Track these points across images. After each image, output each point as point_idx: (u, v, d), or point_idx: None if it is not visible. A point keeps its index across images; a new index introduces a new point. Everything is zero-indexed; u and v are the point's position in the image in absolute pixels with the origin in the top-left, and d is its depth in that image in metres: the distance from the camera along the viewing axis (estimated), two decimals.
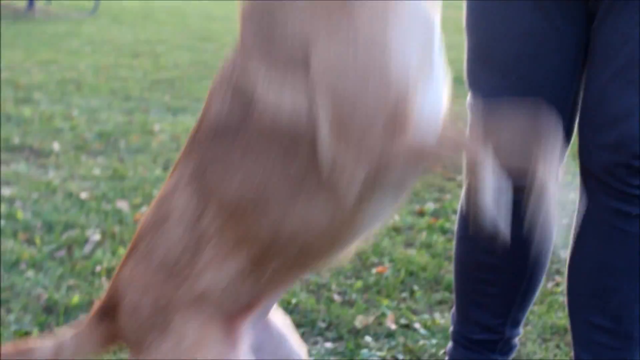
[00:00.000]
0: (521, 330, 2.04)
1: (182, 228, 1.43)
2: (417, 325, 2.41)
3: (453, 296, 2.09)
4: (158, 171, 3.91)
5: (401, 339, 2.33)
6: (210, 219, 1.42)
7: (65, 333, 1.51)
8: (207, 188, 1.43)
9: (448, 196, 3.63)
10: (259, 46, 1.41)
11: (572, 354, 1.93)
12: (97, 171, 3.88)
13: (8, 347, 1.51)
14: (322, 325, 2.41)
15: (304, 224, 1.39)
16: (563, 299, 2.44)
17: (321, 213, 1.37)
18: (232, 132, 1.41)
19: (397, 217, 3.28)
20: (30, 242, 2.95)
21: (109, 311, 1.48)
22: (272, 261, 1.43)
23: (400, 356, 2.26)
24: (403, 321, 2.44)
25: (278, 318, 1.60)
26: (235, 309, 1.47)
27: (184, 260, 1.44)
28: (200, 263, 1.43)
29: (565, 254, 1.94)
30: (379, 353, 2.26)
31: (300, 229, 1.39)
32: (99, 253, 2.84)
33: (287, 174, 1.37)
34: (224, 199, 1.42)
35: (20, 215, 3.18)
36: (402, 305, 2.55)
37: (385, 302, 2.55)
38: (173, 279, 1.44)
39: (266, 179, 1.38)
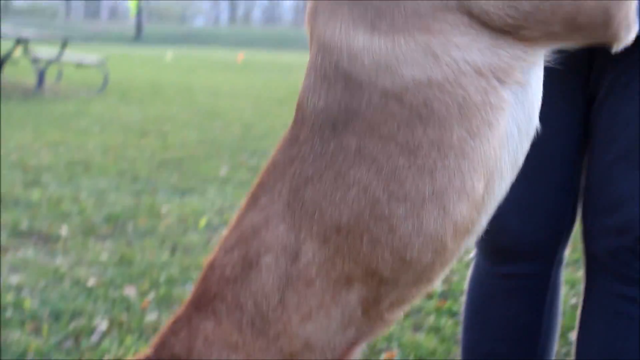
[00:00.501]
0: None
1: (276, 273, 1.26)
2: None
3: None
4: (165, 255, 3.92)
5: None
6: (312, 256, 1.26)
7: None
8: (306, 215, 1.27)
9: (456, 277, 3.62)
10: (350, 8, 1.28)
11: None
12: (104, 256, 3.89)
13: None
14: None
15: (436, 231, 1.25)
16: None
17: (455, 208, 1.25)
18: (335, 130, 1.27)
19: None
20: (37, 332, 2.94)
21: None
22: (389, 295, 1.30)
23: None
24: None
25: None
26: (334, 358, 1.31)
27: (278, 311, 1.26)
28: (299, 313, 1.27)
29: (573, 337, 1.93)
30: None
31: (431, 239, 1.26)
32: (106, 342, 2.83)
33: (414, 167, 1.24)
34: (331, 223, 1.26)
35: (27, 304, 3.18)
36: None
37: None
38: (266, 336, 1.27)
39: (389, 180, 1.24)
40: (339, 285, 1.26)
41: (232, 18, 74.94)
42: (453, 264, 1.33)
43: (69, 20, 67.52)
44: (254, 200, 1.30)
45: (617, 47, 1.30)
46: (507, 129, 1.29)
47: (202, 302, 1.29)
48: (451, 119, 1.24)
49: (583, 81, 1.75)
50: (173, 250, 4.02)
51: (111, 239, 4.22)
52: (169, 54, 27.08)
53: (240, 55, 28.78)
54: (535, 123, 1.35)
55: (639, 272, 1.71)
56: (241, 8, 78.56)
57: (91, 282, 3.49)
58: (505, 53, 1.26)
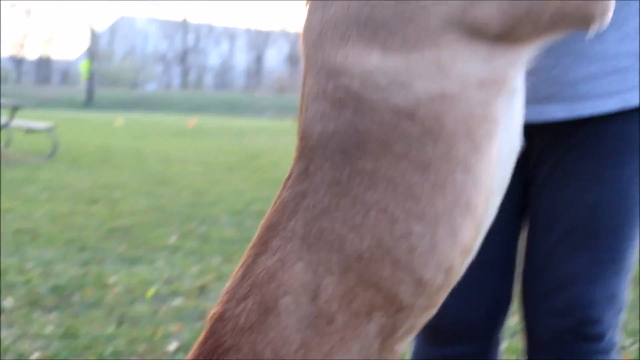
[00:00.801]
0: None
1: (296, 315, 1.22)
2: None
3: None
4: (111, 328, 3.86)
5: None
6: (332, 290, 1.23)
7: None
8: (325, 247, 1.25)
9: None
10: (360, 32, 1.30)
11: None
12: (49, 329, 3.82)
13: None
14: None
15: (446, 249, 1.26)
16: None
17: (461, 225, 1.26)
18: (348, 155, 1.27)
19: None
20: None
21: None
22: (405, 323, 1.28)
23: None
24: None
25: None
26: None
27: (299, 355, 1.21)
28: (320, 354, 1.23)
29: None
30: None
31: (444, 257, 1.26)
32: None
33: (428, 184, 1.25)
34: (352, 251, 1.25)
35: None
36: None
37: None
38: None
39: (406, 198, 1.24)
40: (359, 317, 1.24)
41: (184, 83, 75.23)
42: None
43: (20, 85, 67.14)
44: (263, 245, 1.27)
45: (593, 27, 1.33)
46: (501, 143, 1.32)
47: (215, 358, 1.22)
48: (458, 133, 1.27)
49: (521, 165, 1.79)
50: (120, 322, 3.96)
51: (57, 311, 4.16)
52: (120, 119, 27.02)
53: (192, 121, 28.82)
54: (518, 141, 1.38)
55: (582, 355, 1.72)
56: (193, 73, 78.92)
57: (35, 356, 3.43)
58: (499, 62, 1.30)
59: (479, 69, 1.29)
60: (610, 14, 1.34)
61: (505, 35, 1.30)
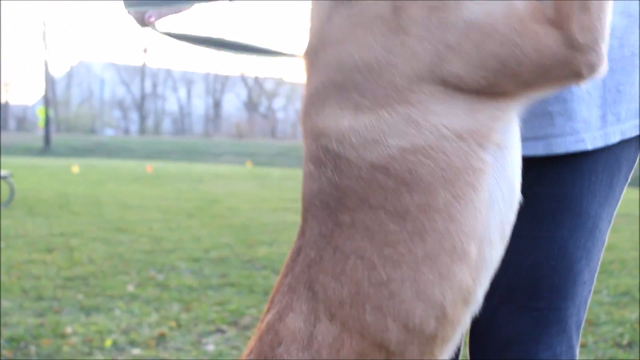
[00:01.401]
0: None
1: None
2: None
3: None
4: None
5: None
6: (322, 338, 1.31)
7: None
8: (312, 297, 1.33)
9: None
10: (336, 96, 1.39)
11: None
12: None
13: None
14: None
15: (434, 295, 1.31)
16: None
17: (449, 271, 1.31)
18: (330, 210, 1.36)
19: None
20: None
21: None
22: None
23: None
24: None
25: None
26: None
27: None
28: None
29: None
30: None
31: (431, 304, 1.31)
32: None
33: (405, 232, 1.31)
34: (334, 298, 1.32)
35: None
36: None
37: None
38: None
39: (382, 246, 1.31)
40: None
41: (142, 129, 75.00)
42: (457, 340, 1.37)
43: None
44: (270, 302, 1.36)
45: (584, 82, 1.38)
46: (491, 193, 1.37)
47: None
48: (436, 184, 1.33)
49: None
50: None
51: None
52: (77, 166, 26.85)
53: (150, 167, 28.71)
54: (517, 191, 1.42)
55: None
56: (151, 119, 78.74)
57: None
58: (482, 115, 1.35)
59: (458, 122, 1.34)
60: (603, 65, 1.36)
61: (484, 90, 1.35)
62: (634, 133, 1.79)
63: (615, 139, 1.77)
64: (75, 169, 26.62)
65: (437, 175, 1.33)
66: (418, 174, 1.33)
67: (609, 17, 1.36)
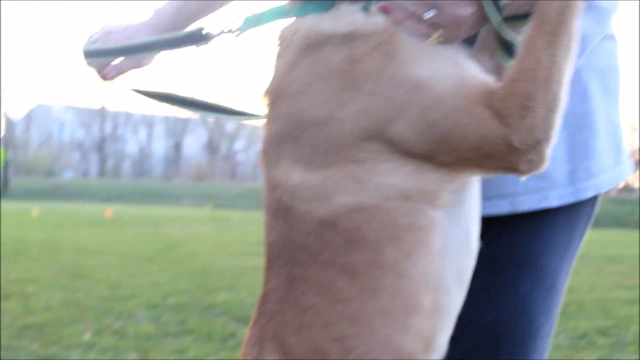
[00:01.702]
0: None
1: None
2: None
3: None
4: None
5: None
6: None
7: None
8: (271, 351, 1.37)
9: None
10: (290, 150, 1.43)
11: None
12: None
13: None
14: None
15: (394, 348, 1.34)
16: None
17: (406, 324, 1.34)
18: (283, 262, 1.40)
19: None
20: None
21: None
22: None
23: None
24: None
25: None
26: None
27: None
28: None
29: None
30: None
31: (392, 355, 1.34)
32: None
33: (356, 288, 1.34)
34: (294, 353, 1.36)
35: None
36: None
37: None
38: None
39: (336, 302, 1.35)
40: None
41: (102, 171, 74.53)
42: None
43: None
44: (243, 355, 1.41)
45: (522, 177, 1.39)
46: (444, 245, 1.39)
47: None
48: (382, 241, 1.35)
49: None
50: None
51: None
52: (35, 209, 26.56)
53: (109, 211, 28.48)
54: (474, 239, 1.45)
55: None
56: (111, 161, 78.29)
57: None
58: (430, 177, 1.37)
59: (404, 182, 1.37)
60: (543, 164, 1.37)
61: (429, 157, 1.37)
62: (606, 188, 1.82)
63: (587, 194, 1.79)
64: (35, 212, 26.32)
65: (382, 233, 1.36)
66: (364, 232, 1.36)
67: (558, 117, 1.37)
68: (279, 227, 1.43)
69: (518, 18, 1.47)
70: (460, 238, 1.43)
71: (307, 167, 1.40)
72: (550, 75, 1.34)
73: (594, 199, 1.86)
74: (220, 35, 1.69)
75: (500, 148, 1.35)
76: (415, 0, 1.42)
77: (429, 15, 1.41)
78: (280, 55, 1.51)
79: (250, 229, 20.51)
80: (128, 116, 79.05)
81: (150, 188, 51.07)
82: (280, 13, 1.56)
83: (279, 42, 1.52)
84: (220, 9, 2.08)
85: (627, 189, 42.95)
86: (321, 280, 1.37)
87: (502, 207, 1.73)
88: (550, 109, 1.35)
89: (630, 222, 28.76)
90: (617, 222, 28.68)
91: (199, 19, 2.00)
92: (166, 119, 79.04)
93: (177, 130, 78.66)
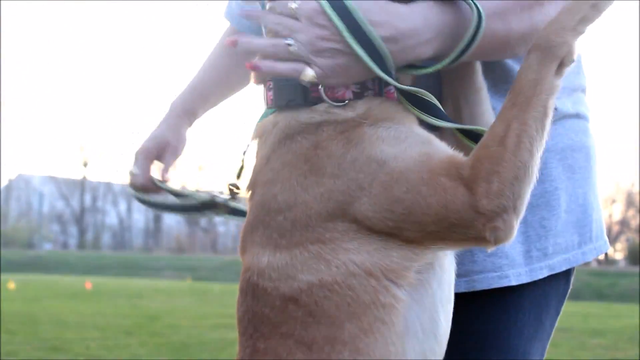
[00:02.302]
0: None
1: None
2: None
3: None
4: None
5: None
6: None
7: None
8: None
9: None
10: (262, 231, 1.50)
11: None
12: None
13: None
14: None
15: None
16: None
17: None
18: (249, 335, 1.47)
19: None
20: None
21: None
22: None
23: None
24: None
25: None
26: None
27: None
28: None
29: None
30: None
31: None
32: None
33: None
34: None
35: None
36: None
37: None
38: None
39: None
40: None
41: (81, 243, 73.88)
42: None
43: None
44: None
45: (489, 248, 1.40)
46: (407, 326, 1.40)
47: None
48: (341, 317, 1.39)
49: None
50: None
51: None
52: (13, 282, 26.28)
53: (88, 283, 28.20)
54: (443, 322, 1.46)
55: None
56: (90, 233, 77.68)
57: None
58: (395, 254, 1.40)
59: (368, 259, 1.40)
60: (510, 235, 1.38)
61: (394, 233, 1.41)
62: (563, 267, 1.81)
63: (542, 274, 1.79)
64: (11, 285, 26.00)
65: (343, 309, 1.39)
66: (324, 307, 1.40)
67: (527, 187, 1.38)
68: (247, 303, 1.49)
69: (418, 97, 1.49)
70: (425, 320, 1.44)
71: (275, 250, 1.46)
72: (520, 143, 1.37)
73: (565, 276, 1.86)
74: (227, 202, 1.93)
75: (466, 215, 1.36)
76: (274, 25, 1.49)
77: (289, 42, 1.46)
78: (259, 148, 1.57)
79: (231, 302, 20.30)
80: (108, 187, 78.82)
81: (130, 260, 50.67)
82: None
83: (259, 135, 1.58)
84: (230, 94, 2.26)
85: (609, 261, 42.95)
86: (280, 352, 1.42)
87: (459, 286, 1.71)
88: (518, 177, 1.36)
89: (611, 294, 28.76)
90: (598, 294, 28.65)
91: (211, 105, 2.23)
92: None
93: None
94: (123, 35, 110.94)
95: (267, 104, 1.57)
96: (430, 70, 1.50)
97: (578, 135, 1.90)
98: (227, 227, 75.64)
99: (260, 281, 1.46)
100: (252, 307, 1.47)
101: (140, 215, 79.11)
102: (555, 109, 1.49)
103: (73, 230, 78.88)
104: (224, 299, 21.72)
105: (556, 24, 1.43)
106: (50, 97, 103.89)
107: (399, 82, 1.46)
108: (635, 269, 36.12)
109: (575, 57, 1.44)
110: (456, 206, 1.37)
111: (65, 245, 76.46)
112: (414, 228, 1.39)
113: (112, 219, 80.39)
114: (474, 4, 1.47)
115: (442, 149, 1.46)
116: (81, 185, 75.95)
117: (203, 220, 76.58)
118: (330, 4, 1.42)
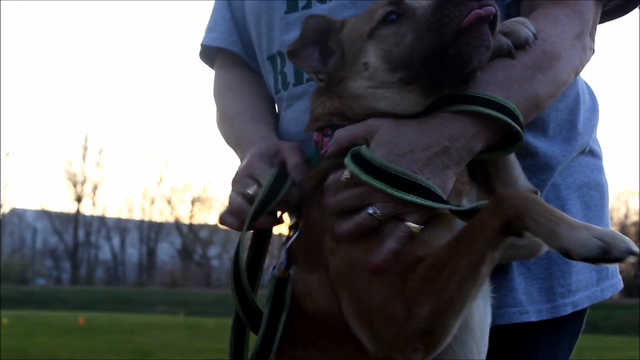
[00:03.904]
0: None
1: None
2: None
3: None
4: None
5: None
6: None
7: None
8: None
9: None
10: (303, 253, 1.70)
11: None
12: None
13: None
14: None
15: None
16: None
17: None
18: (285, 341, 1.66)
19: None
20: None
21: None
22: None
23: None
24: None
25: None
26: None
27: None
28: None
29: None
30: None
31: None
32: None
33: None
34: None
35: None
36: None
37: None
38: None
39: None
40: None
41: (75, 278, 73.56)
42: None
43: None
44: None
45: None
46: None
47: None
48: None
49: None
50: None
51: None
52: (6, 318, 26.14)
53: (81, 319, 28.06)
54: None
55: None
56: (84, 268, 77.37)
57: None
58: None
59: None
60: (426, 356, 1.47)
61: None
62: (585, 304, 1.84)
63: (565, 311, 1.82)
64: (4, 320, 25.87)
65: None
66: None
67: (450, 318, 1.47)
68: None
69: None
70: None
71: (309, 268, 1.72)
72: (450, 281, 1.47)
73: (579, 316, 1.89)
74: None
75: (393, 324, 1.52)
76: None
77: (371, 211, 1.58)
78: None
79: (224, 337, 20.24)
80: (101, 222, 78.64)
81: (124, 295, 50.48)
82: None
83: None
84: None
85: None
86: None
87: None
88: (444, 310, 1.47)
89: (606, 327, 28.73)
90: (593, 327, 28.58)
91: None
92: (140, 224, 78.70)
93: (150, 237, 78.20)
94: (115, 63, 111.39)
95: (321, 148, 1.73)
96: (505, 154, 1.65)
97: (594, 173, 1.95)
98: (221, 262, 75.48)
99: (297, 296, 1.73)
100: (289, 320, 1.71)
101: (133, 250, 78.90)
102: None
103: (66, 265, 78.60)
104: (218, 334, 21.62)
105: (529, 197, 1.48)
106: (43, 130, 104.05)
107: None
108: (630, 301, 36.02)
109: (525, 234, 1.47)
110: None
111: (58, 281, 76.16)
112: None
113: (105, 253, 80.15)
114: (510, 107, 1.58)
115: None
116: (74, 219, 75.76)
117: (197, 255, 76.40)
118: (362, 169, 1.56)
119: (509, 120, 1.56)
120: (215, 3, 2.32)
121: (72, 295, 50.54)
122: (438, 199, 1.53)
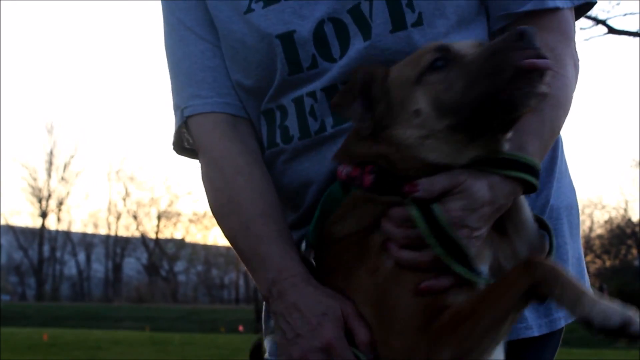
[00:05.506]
0: None
1: None
2: None
3: None
4: None
5: None
6: None
7: None
8: None
9: None
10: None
11: None
12: None
13: None
14: None
15: None
16: None
17: None
18: None
19: None
20: None
21: None
22: None
23: None
24: None
25: None
26: None
27: None
28: None
29: None
30: None
31: None
32: None
33: None
34: None
35: None
36: None
37: None
38: None
39: None
40: None
41: (40, 295, 72.70)
42: None
43: None
44: None
45: None
46: None
47: None
48: None
49: None
50: None
51: None
52: None
53: (45, 335, 27.78)
54: None
55: None
56: (49, 284, 76.49)
57: None
58: None
59: None
60: None
61: None
62: (570, 319, 1.90)
63: (559, 324, 1.90)
64: None
65: None
66: None
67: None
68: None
69: None
70: None
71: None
72: (473, 332, 1.55)
73: (560, 331, 1.96)
74: None
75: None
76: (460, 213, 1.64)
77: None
78: None
79: (190, 352, 20.19)
80: (67, 237, 77.83)
81: (89, 311, 50.04)
82: None
83: None
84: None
85: None
86: None
87: None
88: (462, 357, 1.56)
89: (571, 339, 28.90)
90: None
91: None
92: (106, 239, 77.97)
93: (116, 252, 77.51)
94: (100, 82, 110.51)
95: (363, 185, 1.72)
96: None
97: (572, 194, 2.05)
98: (187, 277, 75.00)
99: None
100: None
101: (99, 265, 78.15)
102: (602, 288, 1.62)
103: (31, 281, 77.66)
104: (184, 350, 21.53)
105: (557, 266, 1.56)
106: (6, 145, 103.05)
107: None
108: None
109: (548, 300, 1.56)
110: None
111: (23, 297, 75.21)
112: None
113: (71, 269, 79.32)
114: (538, 168, 1.70)
115: None
116: (39, 234, 74.91)
117: (163, 270, 75.87)
118: (428, 227, 1.61)
119: (537, 184, 1.68)
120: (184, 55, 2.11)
121: (37, 311, 49.98)
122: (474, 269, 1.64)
